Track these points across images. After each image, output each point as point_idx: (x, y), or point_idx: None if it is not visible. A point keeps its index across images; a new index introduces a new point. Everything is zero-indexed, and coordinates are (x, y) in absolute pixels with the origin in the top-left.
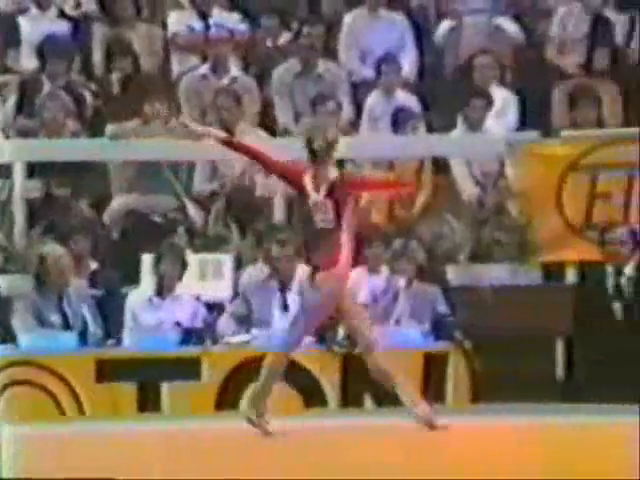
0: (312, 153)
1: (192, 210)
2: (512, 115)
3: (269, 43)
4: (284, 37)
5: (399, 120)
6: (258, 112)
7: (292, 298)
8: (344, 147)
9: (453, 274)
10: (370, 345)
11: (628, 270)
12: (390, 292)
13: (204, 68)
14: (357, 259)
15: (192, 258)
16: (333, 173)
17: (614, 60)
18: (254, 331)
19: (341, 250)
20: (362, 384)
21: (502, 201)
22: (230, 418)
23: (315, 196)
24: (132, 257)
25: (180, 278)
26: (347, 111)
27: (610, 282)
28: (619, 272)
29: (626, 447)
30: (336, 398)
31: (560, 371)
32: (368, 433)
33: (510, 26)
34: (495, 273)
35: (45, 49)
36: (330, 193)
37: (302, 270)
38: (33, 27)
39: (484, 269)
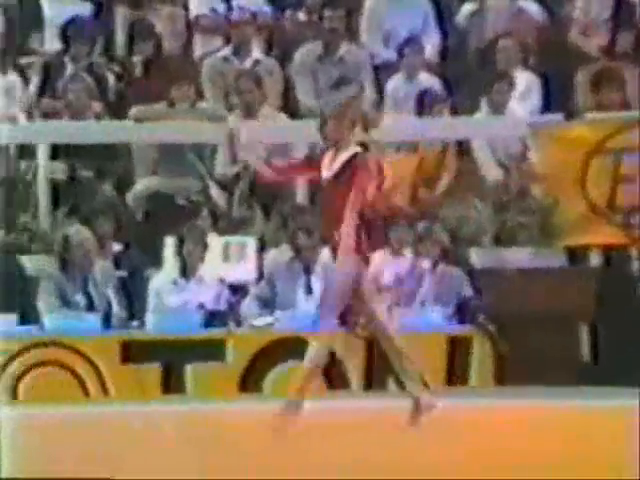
0: (325, 135)
1: (215, 192)
2: (536, 98)
3: (292, 26)
4: (307, 19)
5: (424, 103)
6: (280, 94)
7: (316, 281)
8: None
9: (477, 257)
10: (383, 328)
11: None
12: (414, 275)
13: (226, 50)
14: (374, 242)
15: (216, 240)
16: (349, 153)
17: (638, 42)
18: (278, 313)
19: (342, 231)
20: (386, 367)
21: (526, 184)
22: (253, 400)
23: (326, 174)
24: (156, 239)
25: (203, 260)
26: (369, 94)
27: (635, 266)
28: None
29: None
30: (359, 380)
31: (585, 354)
32: (391, 415)
33: (533, 8)
34: (519, 256)
35: (68, 31)
36: (341, 172)
37: (326, 253)
38: (56, 9)
39: (508, 252)
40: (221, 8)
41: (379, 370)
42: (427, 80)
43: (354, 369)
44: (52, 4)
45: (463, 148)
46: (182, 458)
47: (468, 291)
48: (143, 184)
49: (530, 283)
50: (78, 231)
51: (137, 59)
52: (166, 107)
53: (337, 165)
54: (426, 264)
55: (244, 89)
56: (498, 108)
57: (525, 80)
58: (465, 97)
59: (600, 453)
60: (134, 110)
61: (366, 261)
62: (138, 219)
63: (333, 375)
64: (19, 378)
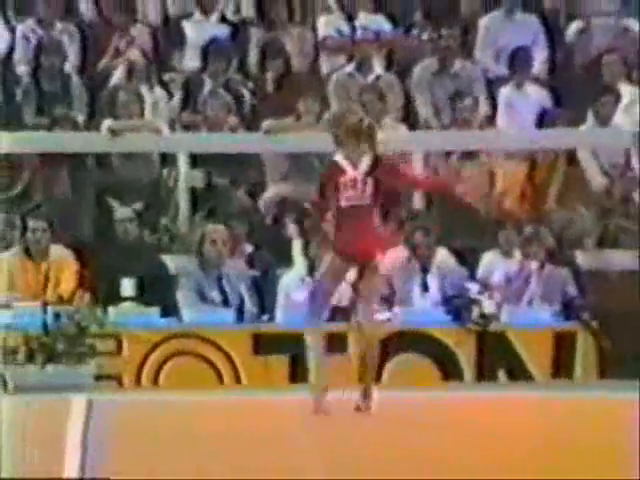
0: (337, 136)
1: None
2: (638, 110)
3: (410, 44)
4: (424, 38)
5: (539, 115)
6: (401, 107)
7: (432, 279)
8: (482, 140)
9: (582, 259)
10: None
11: None
12: (523, 275)
13: (350, 67)
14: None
15: None
16: (369, 154)
17: None
18: (396, 309)
19: (376, 232)
20: (497, 359)
21: (629, 191)
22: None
23: (353, 173)
24: (284, 241)
25: None
26: (483, 106)
27: None
28: None
29: None
30: (471, 372)
31: None
32: (502, 406)
33: (637, 27)
34: (621, 258)
35: (207, 50)
36: (370, 172)
37: (441, 253)
38: (197, 30)
39: (611, 255)
40: (346, 29)
41: (490, 361)
42: (536, 92)
43: (467, 361)
44: (194, 26)
45: (570, 157)
46: (306, 442)
47: (573, 291)
48: (273, 191)
49: (631, 284)
50: (213, 231)
51: (269, 76)
52: (294, 120)
53: (366, 164)
54: (534, 265)
55: (367, 102)
56: (604, 120)
57: (629, 93)
58: (572, 109)
59: None
60: (266, 123)
61: (350, 258)
62: (268, 222)
63: (447, 367)
64: (160, 366)
